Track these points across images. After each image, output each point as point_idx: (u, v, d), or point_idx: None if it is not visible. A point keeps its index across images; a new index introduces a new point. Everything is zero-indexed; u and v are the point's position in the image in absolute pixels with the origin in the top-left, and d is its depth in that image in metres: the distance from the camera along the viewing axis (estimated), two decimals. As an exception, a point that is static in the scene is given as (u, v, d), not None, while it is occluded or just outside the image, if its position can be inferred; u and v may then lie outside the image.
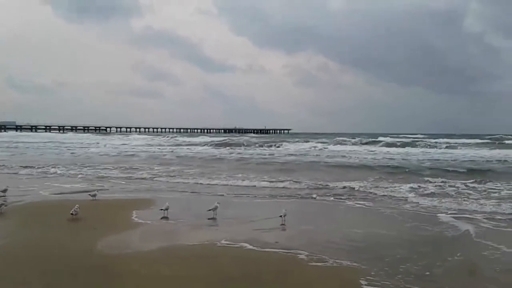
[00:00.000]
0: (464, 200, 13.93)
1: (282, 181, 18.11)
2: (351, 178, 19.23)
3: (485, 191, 15.83)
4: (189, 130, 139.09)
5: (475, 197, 14.49)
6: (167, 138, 72.22)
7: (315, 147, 47.87)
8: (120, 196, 14.50)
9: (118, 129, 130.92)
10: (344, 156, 34.69)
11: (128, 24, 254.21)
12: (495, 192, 15.53)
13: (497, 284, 6.59)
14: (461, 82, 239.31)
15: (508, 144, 51.63)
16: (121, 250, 8.19)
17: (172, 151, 40.52)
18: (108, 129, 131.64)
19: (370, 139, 59.17)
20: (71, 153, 37.15)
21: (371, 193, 15.44)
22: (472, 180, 18.25)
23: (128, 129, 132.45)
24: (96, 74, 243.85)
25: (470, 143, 53.39)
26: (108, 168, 23.25)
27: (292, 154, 37.23)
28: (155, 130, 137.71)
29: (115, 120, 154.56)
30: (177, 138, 71.65)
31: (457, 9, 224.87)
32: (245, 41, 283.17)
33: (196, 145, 53.12)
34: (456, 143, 51.72)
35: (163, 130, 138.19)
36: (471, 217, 11.50)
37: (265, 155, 36.33)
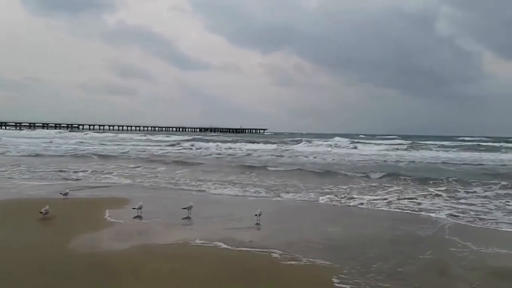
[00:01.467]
0: (427, 200, 14.30)
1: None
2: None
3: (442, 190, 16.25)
4: (164, 129, 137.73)
5: (440, 196, 14.91)
6: (134, 135, 72.00)
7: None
8: (94, 195, 14.26)
9: (92, 127, 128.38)
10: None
11: (101, 19, 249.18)
12: (459, 192, 15.95)
13: (465, 281, 6.74)
14: (434, 84, 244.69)
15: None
16: (93, 249, 8.04)
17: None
18: (80, 126, 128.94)
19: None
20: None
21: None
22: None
23: (102, 127, 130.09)
24: (67, 70, 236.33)
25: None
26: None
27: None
28: (129, 128, 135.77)
29: (88, 117, 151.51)
30: (141, 137, 70.85)
31: (429, 12, 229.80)
32: (221, 39, 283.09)
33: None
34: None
35: (138, 128, 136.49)
36: (440, 216, 11.80)
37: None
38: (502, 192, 16.07)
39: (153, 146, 46.12)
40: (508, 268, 7.61)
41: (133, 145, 48.30)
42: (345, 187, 16.97)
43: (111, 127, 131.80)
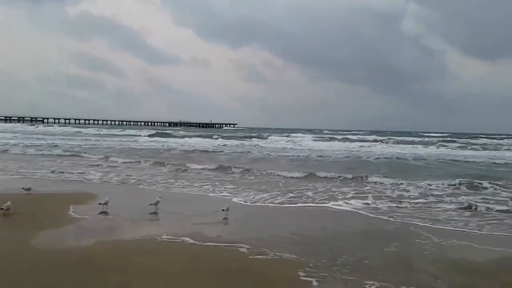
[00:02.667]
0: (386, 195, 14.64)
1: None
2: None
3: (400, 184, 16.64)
4: (132, 123, 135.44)
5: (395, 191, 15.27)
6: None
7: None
8: (58, 190, 13.90)
9: (56, 120, 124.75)
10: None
11: (64, 10, 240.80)
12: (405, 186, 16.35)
13: (427, 273, 6.92)
14: (400, 82, 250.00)
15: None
16: (56, 245, 7.84)
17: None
18: (45, 120, 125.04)
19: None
20: None
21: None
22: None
23: (67, 120, 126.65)
24: (28, 63, 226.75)
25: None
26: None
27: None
28: (95, 122, 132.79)
29: (52, 111, 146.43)
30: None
31: (396, 11, 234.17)
32: (190, 33, 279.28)
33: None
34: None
35: (104, 122, 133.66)
36: (401, 209, 12.12)
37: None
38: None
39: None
40: (467, 260, 7.86)
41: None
42: (315, 185, 17.14)
43: (77, 121, 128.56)
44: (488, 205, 12.80)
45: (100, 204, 10.90)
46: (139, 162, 23.30)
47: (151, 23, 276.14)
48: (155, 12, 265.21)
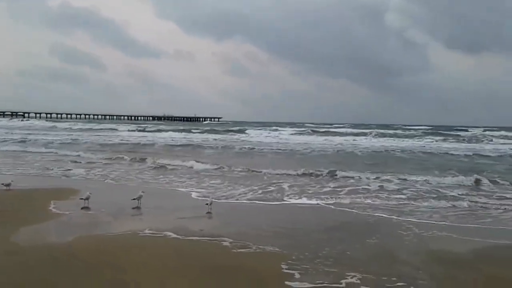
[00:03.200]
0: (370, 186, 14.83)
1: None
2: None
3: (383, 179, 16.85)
4: (115, 117, 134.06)
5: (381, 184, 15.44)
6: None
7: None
8: (38, 186, 13.70)
9: (38, 115, 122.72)
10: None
11: (44, 2, 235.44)
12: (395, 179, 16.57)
13: (409, 264, 7.01)
14: (383, 75, 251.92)
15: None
16: (35, 242, 7.74)
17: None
18: (26, 114, 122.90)
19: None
20: None
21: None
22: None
23: (49, 115, 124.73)
24: (7, 56, 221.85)
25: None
26: None
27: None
28: (78, 116, 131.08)
29: (33, 105, 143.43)
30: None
31: (379, 4, 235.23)
32: (172, 26, 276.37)
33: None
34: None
35: (87, 116, 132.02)
36: (383, 203, 12.26)
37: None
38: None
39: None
40: (446, 251, 7.98)
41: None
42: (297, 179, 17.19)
43: (59, 115, 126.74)
44: (470, 197, 13.06)
45: (81, 199, 10.77)
46: (122, 157, 22.96)
47: (133, 16, 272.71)
48: (136, 5, 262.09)
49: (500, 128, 71.19)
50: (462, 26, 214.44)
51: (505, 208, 11.68)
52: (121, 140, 38.63)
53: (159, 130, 57.30)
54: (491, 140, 46.00)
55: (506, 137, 50.87)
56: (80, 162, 20.56)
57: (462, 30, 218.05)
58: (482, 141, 45.80)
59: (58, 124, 70.73)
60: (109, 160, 21.89)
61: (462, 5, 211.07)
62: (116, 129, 58.72)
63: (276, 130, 62.32)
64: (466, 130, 67.30)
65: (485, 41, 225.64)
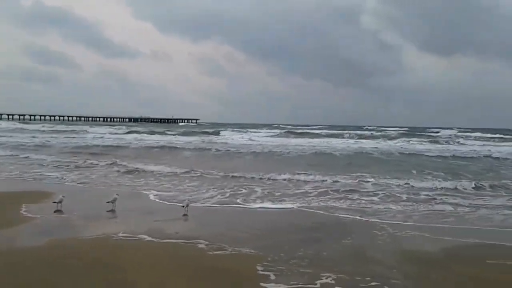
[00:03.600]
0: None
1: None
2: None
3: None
4: (90, 119, 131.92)
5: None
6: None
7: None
8: (8, 189, 13.35)
9: (10, 117, 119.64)
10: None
11: (16, 1, 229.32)
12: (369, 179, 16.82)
13: (383, 264, 7.11)
14: (359, 76, 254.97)
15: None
16: (5, 246, 7.52)
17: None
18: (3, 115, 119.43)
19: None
20: None
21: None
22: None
23: (22, 117, 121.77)
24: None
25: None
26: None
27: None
28: (52, 118, 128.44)
29: (4, 106, 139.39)
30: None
31: (355, 6, 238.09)
32: (149, 26, 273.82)
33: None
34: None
35: (61, 118, 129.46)
36: (360, 202, 12.41)
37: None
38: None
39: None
40: (419, 250, 8.13)
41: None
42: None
43: (32, 117, 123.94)
44: (443, 198, 13.40)
45: (54, 202, 10.55)
46: (94, 160, 22.51)
47: (108, 16, 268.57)
48: (112, 4, 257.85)
49: (474, 130, 73.09)
50: (435, 29, 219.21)
51: (475, 208, 11.96)
52: (94, 142, 37.85)
53: (132, 132, 56.37)
54: (459, 141, 47.01)
55: (480, 138, 52.25)
56: (51, 165, 20.01)
57: (435, 33, 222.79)
58: (457, 142, 46.80)
59: (28, 126, 68.94)
60: (82, 162, 21.32)
61: (436, 9, 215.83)
62: (87, 131, 57.52)
63: (254, 131, 62.25)
64: (439, 132, 68.66)
65: (458, 44, 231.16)
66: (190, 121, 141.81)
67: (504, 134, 57.98)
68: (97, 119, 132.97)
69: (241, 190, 14.04)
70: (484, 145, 42.32)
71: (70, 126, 70.79)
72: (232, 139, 48.86)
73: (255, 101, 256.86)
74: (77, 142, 37.50)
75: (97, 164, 20.45)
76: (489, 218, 10.89)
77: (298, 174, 17.68)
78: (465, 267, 7.17)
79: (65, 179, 16.10)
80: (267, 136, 53.90)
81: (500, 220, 10.68)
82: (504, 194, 14.36)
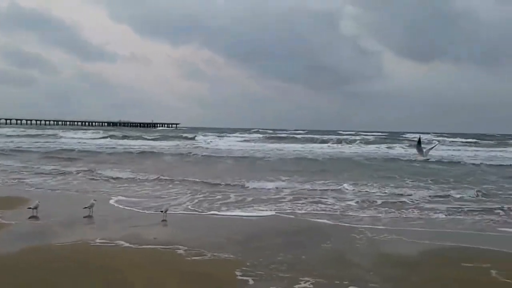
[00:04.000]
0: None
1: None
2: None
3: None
4: (68, 123, 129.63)
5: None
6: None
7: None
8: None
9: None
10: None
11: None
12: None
13: (361, 268, 7.17)
14: (338, 81, 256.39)
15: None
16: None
17: None
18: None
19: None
20: None
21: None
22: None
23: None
24: None
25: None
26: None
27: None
28: (29, 122, 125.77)
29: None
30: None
31: (333, 11, 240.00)
32: (127, 29, 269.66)
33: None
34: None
35: (38, 122, 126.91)
36: (338, 208, 12.50)
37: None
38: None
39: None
40: (397, 253, 8.24)
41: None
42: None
43: (8, 121, 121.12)
44: (420, 202, 13.63)
45: (29, 208, 10.32)
46: (73, 166, 22.08)
47: (86, 18, 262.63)
48: (89, 6, 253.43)
49: (452, 135, 74.62)
50: (413, 36, 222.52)
51: (451, 212, 12.18)
52: (68, 147, 37.17)
53: (107, 137, 55.52)
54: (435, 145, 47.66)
55: (454, 143, 53.38)
56: (26, 171, 19.59)
57: (414, 40, 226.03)
58: (434, 147, 47.32)
59: (3, 130, 67.21)
60: (57, 168, 20.89)
61: (414, 16, 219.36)
62: (62, 136, 56.54)
63: (234, 136, 62.11)
64: (416, 137, 69.46)
65: (435, 50, 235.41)
66: (170, 125, 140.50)
67: (479, 139, 59.51)
68: (75, 123, 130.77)
69: (216, 196, 13.90)
70: (459, 150, 43.30)
71: (46, 131, 69.21)
72: (208, 143, 48.71)
73: (235, 105, 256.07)
74: (54, 146, 36.87)
75: (70, 172, 19.73)
76: (464, 221, 11.10)
77: (276, 179, 17.72)
78: (441, 270, 7.27)
79: (40, 184, 15.78)
80: (245, 141, 53.89)
81: (473, 223, 10.90)
82: (483, 198, 14.62)
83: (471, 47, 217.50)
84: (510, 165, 28.36)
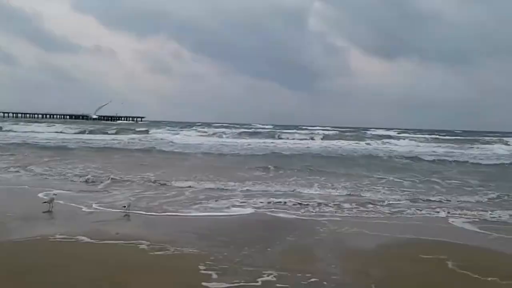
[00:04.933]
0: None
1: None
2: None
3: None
4: (28, 115, 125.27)
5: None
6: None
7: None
8: None
9: None
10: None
11: None
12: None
13: (323, 260, 7.30)
14: (308, 78, 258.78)
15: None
16: None
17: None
18: None
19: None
20: None
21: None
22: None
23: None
24: None
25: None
26: None
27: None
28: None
29: None
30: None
31: (302, 9, 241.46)
32: (91, 20, 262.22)
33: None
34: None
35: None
36: (303, 200, 12.63)
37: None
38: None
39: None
40: (358, 246, 8.43)
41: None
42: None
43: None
44: (383, 195, 13.98)
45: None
46: (41, 158, 21.40)
47: (47, 7, 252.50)
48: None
49: (418, 131, 76.98)
50: (381, 34, 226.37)
51: (411, 204, 12.53)
52: (35, 141, 36.04)
53: (59, 132, 53.81)
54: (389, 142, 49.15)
55: (413, 138, 55.07)
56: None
57: (381, 38, 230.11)
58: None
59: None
60: (21, 161, 20.27)
61: (381, 14, 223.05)
62: (13, 130, 54.47)
63: (201, 129, 61.65)
64: (383, 132, 71.17)
65: (402, 48, 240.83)
66: (135, 119, 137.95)
67: (439, 135, 61.57)
68: (36, 115, 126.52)
69: (179, 195, 13.61)
70: (419, 146, 44.77)
71: (19, 124, 66.06)
72: (163, 137, 47.79)
73: (203, 99, 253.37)
74: (26, 140, 35.97)
75: (40, 161, 19.27)
76: (424, 214, 11.43)
77: (243, 176, 17.81)
78: (401, 262, 7.47)
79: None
80: (200, 136, 53.14)
81: (434, 216, 11.25)
82: (443, 191, 15.14)
83: (436, 46, 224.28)
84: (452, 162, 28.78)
